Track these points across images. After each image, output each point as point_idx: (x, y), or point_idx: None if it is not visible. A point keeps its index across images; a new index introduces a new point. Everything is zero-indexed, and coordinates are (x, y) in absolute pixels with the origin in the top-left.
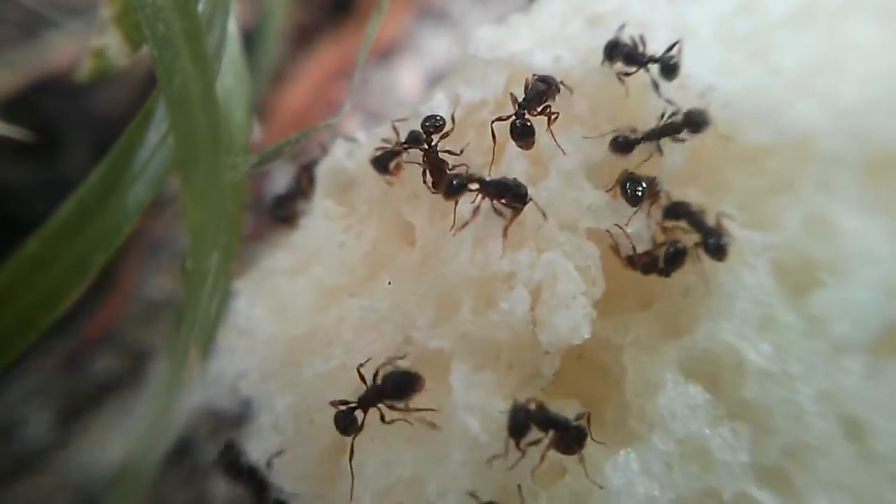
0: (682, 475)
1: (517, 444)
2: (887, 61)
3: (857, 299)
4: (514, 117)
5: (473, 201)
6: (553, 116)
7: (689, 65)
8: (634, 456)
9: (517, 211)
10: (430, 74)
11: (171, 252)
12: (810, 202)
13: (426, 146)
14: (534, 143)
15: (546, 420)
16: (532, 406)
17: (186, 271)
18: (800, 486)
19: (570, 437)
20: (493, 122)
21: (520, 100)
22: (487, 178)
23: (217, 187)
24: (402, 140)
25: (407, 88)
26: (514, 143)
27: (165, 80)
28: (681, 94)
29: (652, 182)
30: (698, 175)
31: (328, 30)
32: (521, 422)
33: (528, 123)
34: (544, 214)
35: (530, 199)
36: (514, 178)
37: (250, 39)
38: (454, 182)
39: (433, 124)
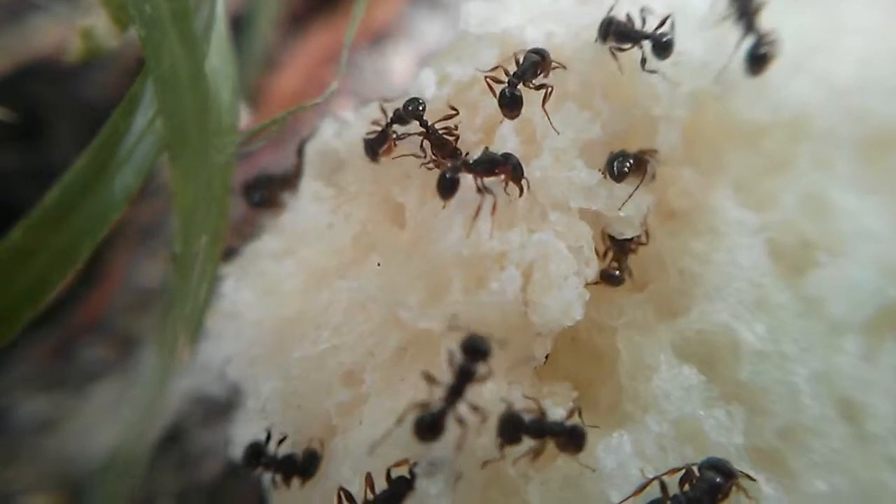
0: (676, 457)
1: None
2: (883, 41)
3: (853, 279)
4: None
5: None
6: (549, 90)
7: (684, 42)
8: (627, 438)
9: (517, 183)
10: (424, 59)
11: (161, 240)
12: (807, 181)
13: (425, 128)
14: (520, 113)
15: (542, 429)
16: (526, 415)
17: (175, 255)
18: (794, 467)
19: (570, 442)
20: (485, 77)
21: (512, 72)
22: (476, 157)
23: (205, 168)
24: (390, 120)
25: (400, 73)
26: (505, 119)
27: (153, 60)
28: (676, 71)
29: (640, 159)
30: (694, 154)
31: (321, 16)
32: (513, 433)
33: (518, 93)
34: (522, 190)
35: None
36: (505, 152)
37: (242, 24)
38: (447, 176)
39: (416, 107)
